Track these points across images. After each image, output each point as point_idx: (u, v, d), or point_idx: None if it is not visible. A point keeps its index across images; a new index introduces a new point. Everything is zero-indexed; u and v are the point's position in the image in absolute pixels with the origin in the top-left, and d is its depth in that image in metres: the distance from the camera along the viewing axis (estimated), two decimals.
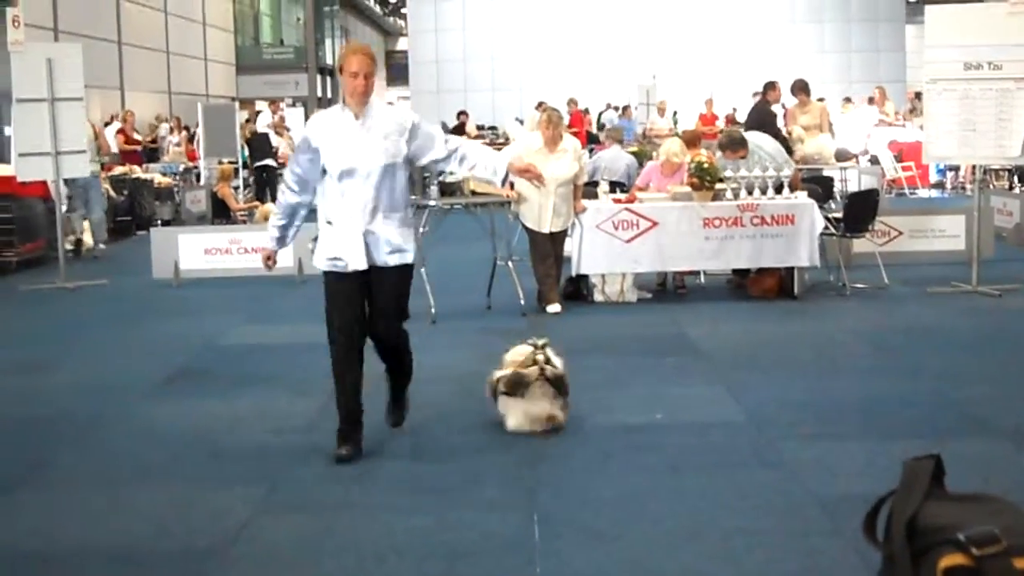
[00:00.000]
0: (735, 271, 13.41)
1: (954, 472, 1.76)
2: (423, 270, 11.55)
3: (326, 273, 6.95)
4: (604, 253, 12.35)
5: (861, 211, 13.28)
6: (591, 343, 10.30)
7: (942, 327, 10.86)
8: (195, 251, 14.68)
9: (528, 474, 6.66)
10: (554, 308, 11.99)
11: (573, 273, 12.56)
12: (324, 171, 6.89)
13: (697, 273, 13.71)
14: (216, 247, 14.64)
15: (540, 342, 7.62)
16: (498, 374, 7.60)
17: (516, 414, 7.40)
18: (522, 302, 12.01)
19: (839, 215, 13.35)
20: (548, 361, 7.48)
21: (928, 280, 13.18)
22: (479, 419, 7.79)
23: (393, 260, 6.92)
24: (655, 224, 12.35)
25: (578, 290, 12.83)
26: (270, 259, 7.30)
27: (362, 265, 6.86)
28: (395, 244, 6.91)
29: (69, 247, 16.93)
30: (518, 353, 7.65)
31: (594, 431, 7.47)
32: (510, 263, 12.38)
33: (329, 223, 6.92)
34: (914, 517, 1.61)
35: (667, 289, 13.31)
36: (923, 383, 8.59)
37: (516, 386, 7.37)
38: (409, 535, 5.71)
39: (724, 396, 8.34)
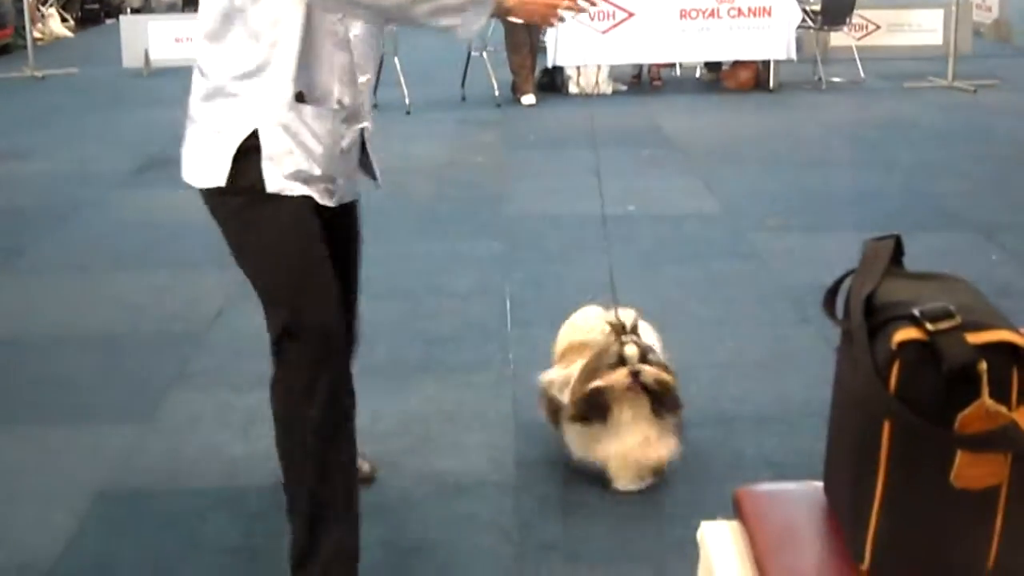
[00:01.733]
0: (707, 65, 13.34)
1: (924, 263, 1.78)
2: (396, 59, 11.45)
3: (279, 199, 3.22)
4: (580, 44, 12.23)
5: (839, 4, 13.14)
6: (565, 135, 10.28)
7: (917, 122, 10.86)
8: (166, 39, 14.40)
9: (503, 262, 6.71)
10: (528, 99, 11.93)
11: (548, 64, 12.46)
12: None
13: (673, 65, 13.61)
14: (187, 35, 14.34)
15: (628, 319, 4.16)
16: (554, 375, 4.30)
17: (604, 455, 4.10)
18: (496, 93, 11.93)
19: (817, 8, 13.21)
20: (644, 356, 4.02)
21: (904, 75, 13.12)
22: (454, 208, 7.82)
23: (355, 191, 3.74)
24: (631, 15, 12.21)
25: (553, 82, 12.74)
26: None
27: (349, 195, 3.64)
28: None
29: (38, 35, 16.65)
30: (585, 328, 4.37)
31: (569, 221, 7.49)
32: (484, 54, 12.25)
33: (302, 100, 3.19)
34: (872, 294, 1.64)
35: (642, 81, 13.23)
36: (896, 176, 8.63)
37: (595, 409, 4.04)
38: (385, 322, 5.77)
39: (699, 188, 8.37)
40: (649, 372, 3.99)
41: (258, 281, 3.35)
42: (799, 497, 1.87)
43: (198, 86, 3.26)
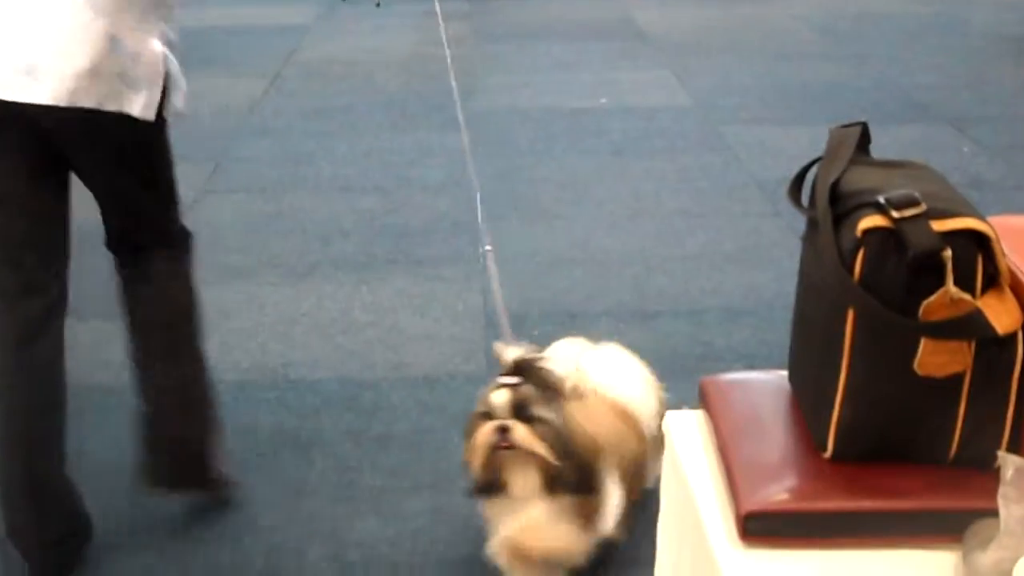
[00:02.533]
0: None
1: (896, 155, 1.77)
2: None
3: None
4: None
5: None
6: (537, 27, 10.19)
7: (892, 13, 10.78)
8: None
9: (473, 155, 6.67)
10: None
11: None
12: None
13: None
14: None
15: (526, 356, 3.02)
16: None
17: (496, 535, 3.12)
18: None
19: None
20: (522, 409, 2.93)
21: None
22: (423, 101, 7.76)
23: None
24: None
25: None
26: None
27: None
28: None
29: None
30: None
31: (539, 115, 7.46)
32: None
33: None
34: (837, 182, 1.63)
35: None
36: (870, 69, 8.59)
37: (489, 478, 3.04)
38: (355, 216, 5.75)
39: (671, 81, 8.31)
40: (521, 434, 2.92)
41: (171, 191, 3.26)
42: (764, 386, 1.86)
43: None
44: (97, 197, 3.12)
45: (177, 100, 2.99)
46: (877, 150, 1.79)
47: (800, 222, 1.75)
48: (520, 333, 4.48)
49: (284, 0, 11.53)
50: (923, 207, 1.52)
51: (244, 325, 4.63)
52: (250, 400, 4.07)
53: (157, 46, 2.87)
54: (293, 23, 10.41)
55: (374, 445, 3.79)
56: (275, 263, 5.23)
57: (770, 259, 5.16)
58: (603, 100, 7.81)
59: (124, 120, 2.85)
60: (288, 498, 3.52)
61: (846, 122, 1.77)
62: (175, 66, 2.96)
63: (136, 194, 3.14)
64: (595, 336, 3.55)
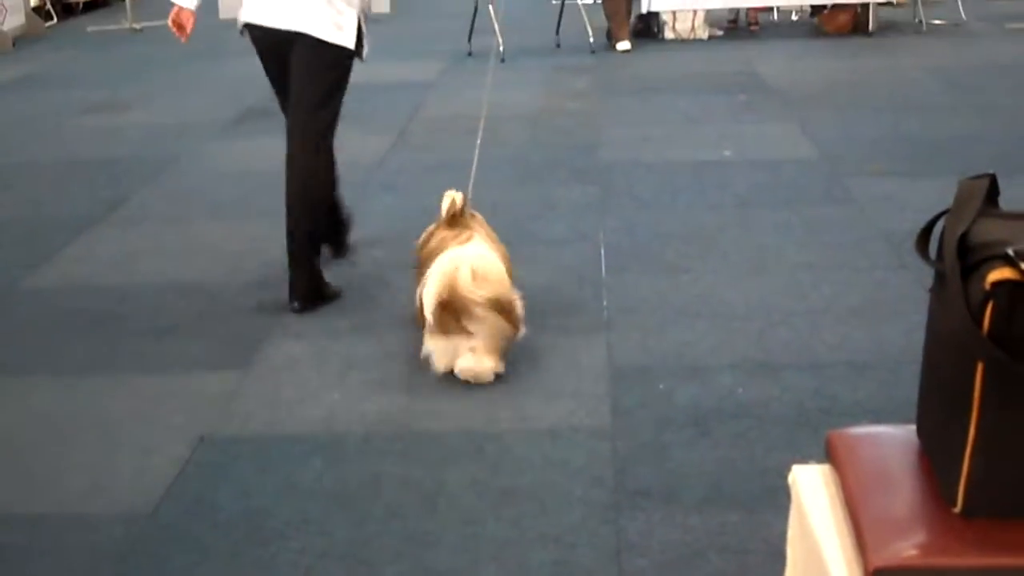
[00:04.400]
0: (812, 8, 13.16)
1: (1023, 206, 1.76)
2: (490, 7, 11.44)
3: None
4: None
5: None
6: (661, 81, 10.21)
7: (1018, 65, 10.64)
8: None
9: (597, 209, 6.69)
10: (624, 46, 11.85)
11: (643, 10, 12.36)
12: None
13: (770, 9, 13.45)
14: None
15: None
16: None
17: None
18: (591, 40, 11.87)
19: None
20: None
21: (1006, 16, 12.86)
22: (548, 155, 7.81)
23: None
24: None
25: (648, 27, 12.66)
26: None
27: None
28: None
29: None
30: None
31: (663, 167, 7.46)
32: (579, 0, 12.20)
33: None
34: (966, 234, 1.62)
35: (739, 26, 13.09)
36: (996, 121, 8.48)
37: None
38: None
39: (795, 133, 8.28)
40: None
41: (337, 104, 5.38)
42: (892, 440, 1.85)
43: None
44: (294, 91, 5.23)
45: (364, 50, 5.32)
46: (1006, 203, 1.78)
47: (928, 275, 1.74)
48: (645, 386, 4.48)
49: (412, 57, 11.71)
50: None
51: (370, 377, 4.68)
52: (376, 451, 4.11)
53: (355, 17, 5.25)
54: (419, 79, 10.56)
55: (498, 497, 3.79)
56: (399, 317, 5.28)
57: (897, 313, 5.09)
58: (727, 152, 7.79)
59: (330, 48, 5.17)
60: (412, 548, 3.54)
61: (974, 174, 1.76)
62: (364, 31, 5.30)
63: (315, 96, 5.27)
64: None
